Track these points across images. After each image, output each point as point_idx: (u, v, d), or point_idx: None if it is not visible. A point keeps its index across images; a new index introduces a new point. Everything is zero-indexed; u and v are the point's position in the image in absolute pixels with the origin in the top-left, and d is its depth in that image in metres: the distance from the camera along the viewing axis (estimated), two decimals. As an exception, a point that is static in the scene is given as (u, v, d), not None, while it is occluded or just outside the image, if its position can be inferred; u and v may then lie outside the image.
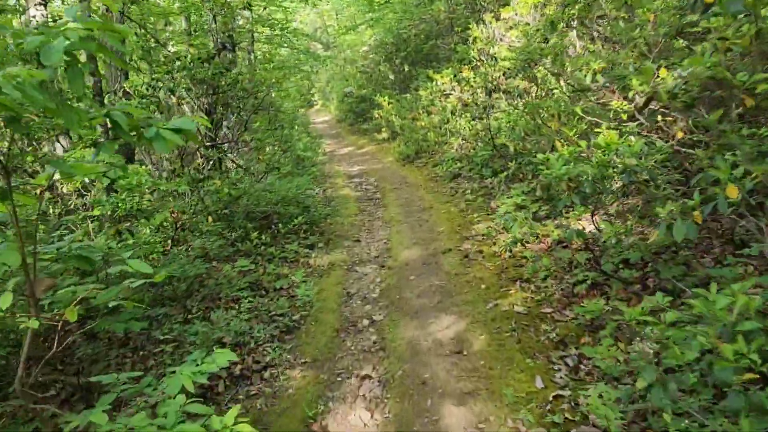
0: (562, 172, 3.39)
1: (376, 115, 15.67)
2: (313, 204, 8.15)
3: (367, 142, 17.11)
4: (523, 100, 7.54)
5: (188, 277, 4.36)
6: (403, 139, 13.47)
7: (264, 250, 5.88)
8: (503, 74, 6.20)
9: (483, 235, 6.44)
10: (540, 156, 3.82)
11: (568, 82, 4.86)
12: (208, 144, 8.37)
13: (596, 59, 4.13)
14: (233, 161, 9.79)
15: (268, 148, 11.57)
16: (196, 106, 8.30)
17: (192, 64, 5.95)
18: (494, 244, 5.93)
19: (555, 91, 7.86)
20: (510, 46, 8.54)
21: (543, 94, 7.71)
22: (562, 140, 4.66)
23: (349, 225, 7.66)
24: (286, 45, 19.05)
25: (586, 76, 4.14)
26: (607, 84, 4.25)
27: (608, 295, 4.24)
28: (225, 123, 9.86)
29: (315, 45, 30.31)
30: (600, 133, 4.33)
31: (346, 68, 23.64)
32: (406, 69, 18.08)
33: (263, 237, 6.14)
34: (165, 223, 5.70)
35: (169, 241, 5.72)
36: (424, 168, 11.23)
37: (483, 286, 4.91)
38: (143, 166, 5.19)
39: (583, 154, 3.68)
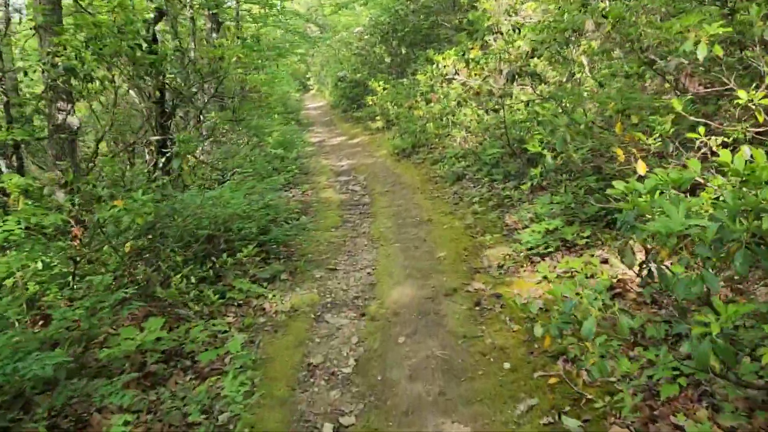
0: (679, 227, 1.78)
1: (370, 102, 14.00)
2: (283, 214, 6.55)
3: (360, 132, 15.46)
4: (552, 87, 5.89)
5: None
6: (398, 130, 11.82)
7: (202, 294, 4.26)
8: (532, 51, 4.58)
9: (500, 266, 4.85)
10: (619, 186, 2.20)
11: (645, 56, 3.23)
12: (155, 139, 6.73)
13: (712, 21, 2.49)
14: (198, 159, 8.17)
15: (247, 139, 9.91)
16: (142, 93, 6.66)
17: (104, 33, 4.30)
18: (514, 288, 4.35)
19: (579, 75, 6.23)
20: (524, 22, 6.88)
21: (577, 79, 6.05)
22: (632, 147, 3.04)
23: (325, 244, 6.04)
24: (273, 24, 17.35)
25: (695, 48, 2.51)
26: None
27: (713, 401, 2.65)
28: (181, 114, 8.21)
29: (311, 27, 28.46)
30: (700, 140, 2.73)
31: (341, 51, 21.90)
32: (404, 51, 16.38)
33: (202, 270, 4.54)
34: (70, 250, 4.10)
35: (70, 279, 4.12)
36: (422, 165, 9.59)
37: (506, 366, 3.30)
38: (17, 177, 3.57)
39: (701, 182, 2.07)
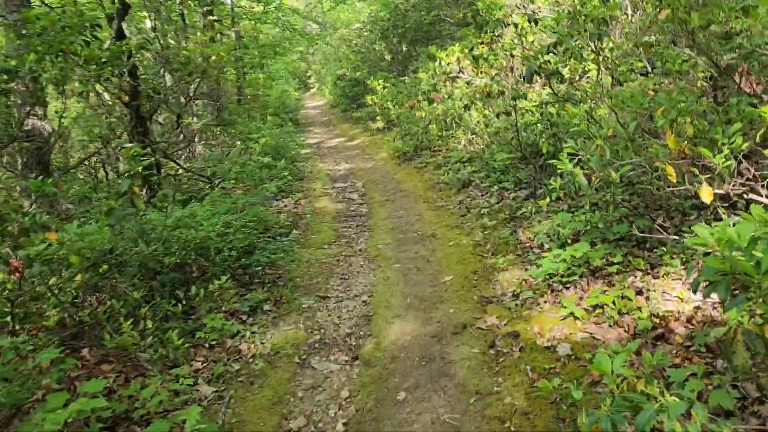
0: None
1: (370, 101, 13.34)
2: (272, 228, 5.92)
3: (359, 132, 14.80)
4: (566, 85, 5.22)
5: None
6: (399, 132, 11.16)
7: (165, 336, 3.60)
8: (555, 45, 3.91)
9: (515, 295, 4.19)
10: (704, 233, 1.55)
11: (699, 47, 2.55)
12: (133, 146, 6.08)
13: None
14: (181, 167, 7.55)
15: (238, 143, 9.26)
16: (102, 95, 6.03)
17: (50, 30, 3.65)
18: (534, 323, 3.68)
19: (600, 74, 5.54)
20: (536, 16, 6.21)
21: (589, 78, 5.38)
22: (688, 166, 2.37)
23: (316, 264, 5.38)
24: (271, 21, 16.73)
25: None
26: None
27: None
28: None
29: (310, 24, 27.80)
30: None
31: (340, 49, 21.24)
32: (405, 48, 15.72)
33: (169, 304, 3.89)
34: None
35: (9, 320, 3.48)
36: (425, 170, 8.91)
37: (532, 439, 2.65)
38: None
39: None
